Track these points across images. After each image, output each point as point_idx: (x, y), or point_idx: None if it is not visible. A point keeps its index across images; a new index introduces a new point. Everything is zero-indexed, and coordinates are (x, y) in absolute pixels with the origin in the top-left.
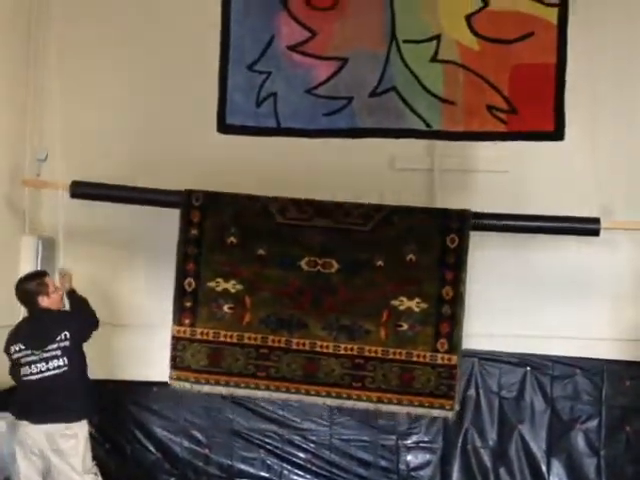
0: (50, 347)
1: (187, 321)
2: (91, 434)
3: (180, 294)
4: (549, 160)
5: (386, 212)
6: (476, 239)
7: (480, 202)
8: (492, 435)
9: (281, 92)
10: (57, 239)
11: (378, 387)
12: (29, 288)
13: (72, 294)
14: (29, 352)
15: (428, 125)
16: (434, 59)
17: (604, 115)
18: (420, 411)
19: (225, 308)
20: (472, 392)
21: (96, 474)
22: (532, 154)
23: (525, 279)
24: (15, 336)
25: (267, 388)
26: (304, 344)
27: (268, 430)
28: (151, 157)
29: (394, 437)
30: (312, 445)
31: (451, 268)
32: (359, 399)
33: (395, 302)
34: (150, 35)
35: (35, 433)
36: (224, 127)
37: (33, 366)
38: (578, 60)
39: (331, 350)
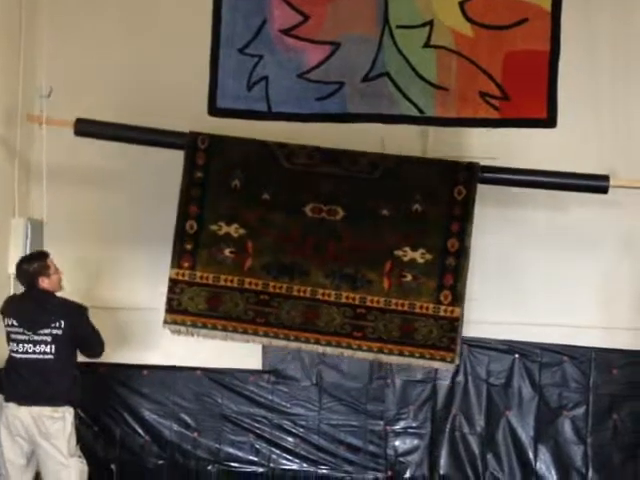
0: (42, 331)
1: (186, 264)
2: (80, 417)
3: (181, 237)
4: (542, 144)
5: (393, 162)
6: None
7: None
8: (480, 421)
9: (272, 76)
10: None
11: (379, 337)
12: (30, 269)
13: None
14: (20, 330)
15: (421, 111)
16: (427, 45)
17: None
18: (421, 362)
19: (226, 252)
20: (460, 378)
21: (80, 457)
22: (524, 140)
23: (514, 266)
24: (10, 309)
25: (266, 334)
26: (305, 291)
27: (257, 414)
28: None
29: (382, 422)
30: (301, 430)
31: (457, 220)
32: (359, 349)
33: (399, 252)
34: None
35: (23, 415)
36: (215, 110)
37: (20, 345)
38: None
39: (332, 298)
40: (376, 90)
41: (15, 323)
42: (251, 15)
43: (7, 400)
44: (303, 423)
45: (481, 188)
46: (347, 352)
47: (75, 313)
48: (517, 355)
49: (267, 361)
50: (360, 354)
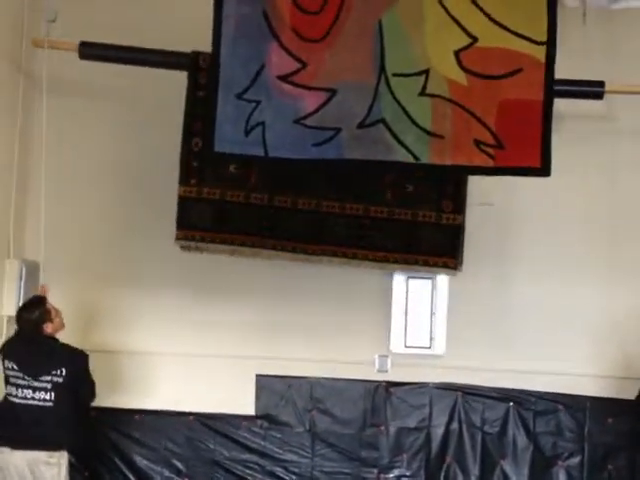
0: (43, 378)
1: (193, 181)
2: (70, 462)
3: (187, 154)
4: None
5: None
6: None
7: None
8: (474, 470)
9: (269, 121)
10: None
11: (383, 247)
12: (33, 317)
13: None
14: (20, 375)
15: (416, 158)
16: (423, 93)
17: None
18: (425, 269)
19: (231, 168)
20: (455, 426)
21: None
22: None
23: (507, 314)
24: (11, 352)
25: (273, 247)
26: (310, 204)
27: (249, 460)
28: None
29: (376, 470)
30: (294, 477)
31: None
32: (364, 258)
33: None
34: None
35: (17, 460)
36: (211, 154)
37: (20, 390)
38: None
39: (337, 210)
40: (372, 137)
41: (15, 367)
42: (250, 61)
43: (1, 445)
44: (296, 470)
45: None
46: (352, 262)
47: (77, 361)
48: (512, 403)
49: (260, 406)
50: (365, 263)
